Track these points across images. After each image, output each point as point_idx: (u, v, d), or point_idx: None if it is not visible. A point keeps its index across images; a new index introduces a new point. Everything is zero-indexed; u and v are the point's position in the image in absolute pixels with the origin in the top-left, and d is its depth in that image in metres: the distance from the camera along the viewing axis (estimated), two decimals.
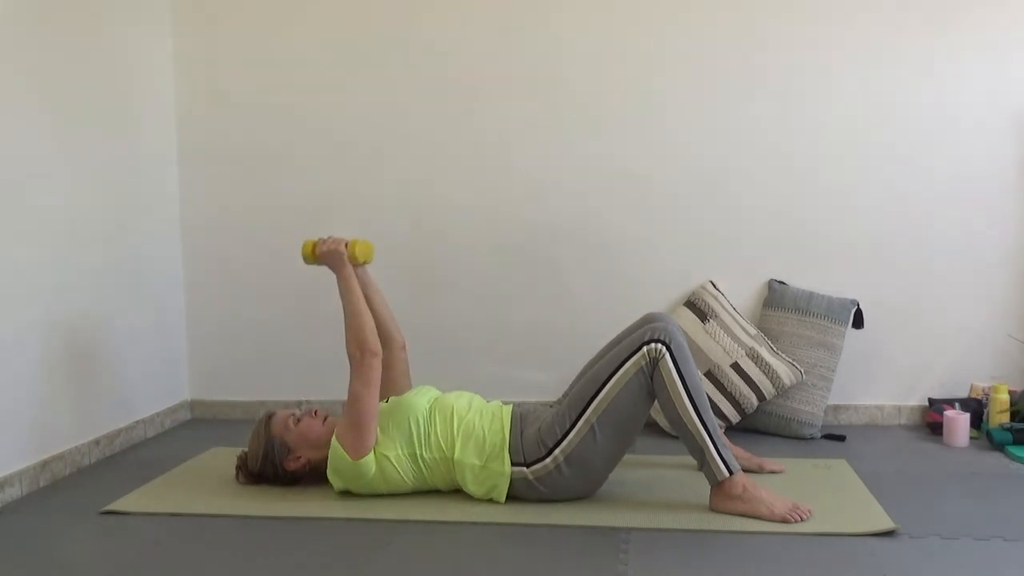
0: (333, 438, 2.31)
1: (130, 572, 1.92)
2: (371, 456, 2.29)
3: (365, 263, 2.52)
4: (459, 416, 2.35)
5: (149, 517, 2.26)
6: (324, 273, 3.31)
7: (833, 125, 3.14)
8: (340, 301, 2.41)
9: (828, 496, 2.35)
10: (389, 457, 2.31)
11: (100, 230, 2.86)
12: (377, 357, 2.32)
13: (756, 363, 2.96)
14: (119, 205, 2.97)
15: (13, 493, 2.42)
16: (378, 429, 2.33)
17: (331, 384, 3.20)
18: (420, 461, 2.32)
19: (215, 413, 3.42)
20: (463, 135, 3.26)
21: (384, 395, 2.52)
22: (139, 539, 2.11)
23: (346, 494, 2.37)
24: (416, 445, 2.32)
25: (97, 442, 2.81)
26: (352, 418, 2.29)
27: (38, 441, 2.55)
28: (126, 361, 2.99)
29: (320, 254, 2.46)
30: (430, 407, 2.37)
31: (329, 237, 2.48)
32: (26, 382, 2.50)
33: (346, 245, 2.46)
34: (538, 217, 3.25)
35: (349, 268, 2.44)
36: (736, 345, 2.99)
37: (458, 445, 2.31)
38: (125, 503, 2.35)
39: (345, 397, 2.35)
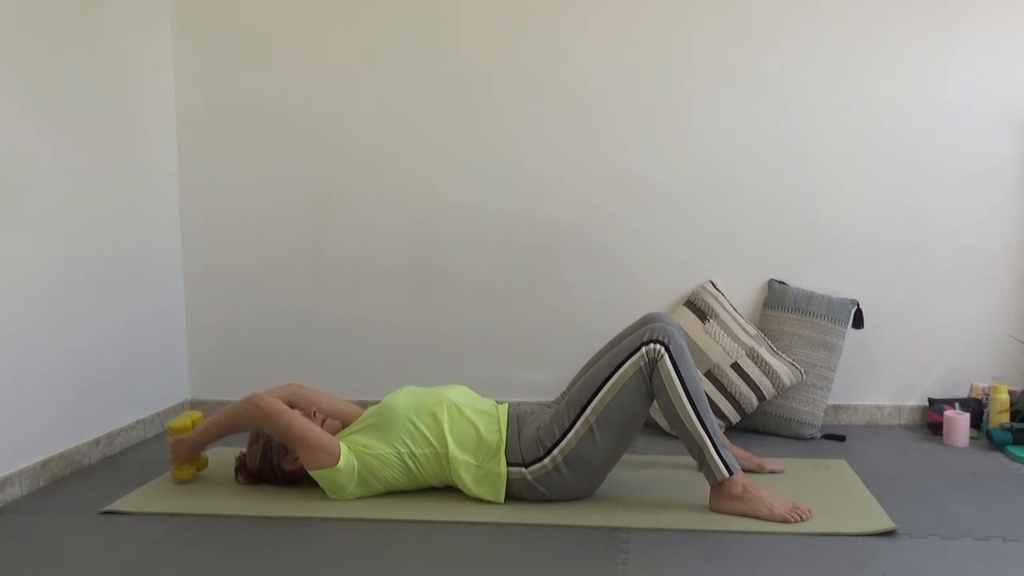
0: (309, 472, 2.33)
1: (130, 572, 1.92)
2: (346, 451, 2.31)
3: (194, 423, 2.56)
4: (449, 412, 2.35)
5: (149, 517, 2.26)
6: (325, 273, 3.33)
7: (833, 125, 3.15)
8: (223, 432, 2.46)
9: (828, 496, 2.35)
10: (378, 456, 2.31)
11: (100, 230, 2.86)
12: (256, 395, 2.38)
13: (756, 363, 2.96)
14: (119, 205, 2.97)
15: (13, 493, 2.42)
16: (367, 431, 2.34)
17: (330, 385, 3.21)
18: (411, 458, 2.32)
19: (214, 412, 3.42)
20: (462, 135, 3.26)
21: (339, 419, 2.51)
22: (139, 539, 2.11)
23: None
24: (405, 443, 2.32)
25: (97, 442, 2.81)
26: (302, 444, 2.31)
27: (38, 441, 2.55)
28: (126, 361, 2.99)
29: (176, 460, 2.51)
30: (417, 404, 2.37)
31: (167, 451, 2.52)
32: (26, 382, 2.50)
33: (170, 434, 2.52)
34: (538, 217, 3.26)
35: (192, 435, 2.48)
36: (736, 345, 2.99)
37: (451, 441, 2.31)
38: (125, 503, 2.36)
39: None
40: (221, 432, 2.45)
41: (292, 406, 2.50)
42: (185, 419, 2.57)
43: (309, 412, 2.46)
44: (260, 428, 2.39)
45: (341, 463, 2.29)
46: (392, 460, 2.32)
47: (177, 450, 2.50)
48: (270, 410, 2.34)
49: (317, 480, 2.33)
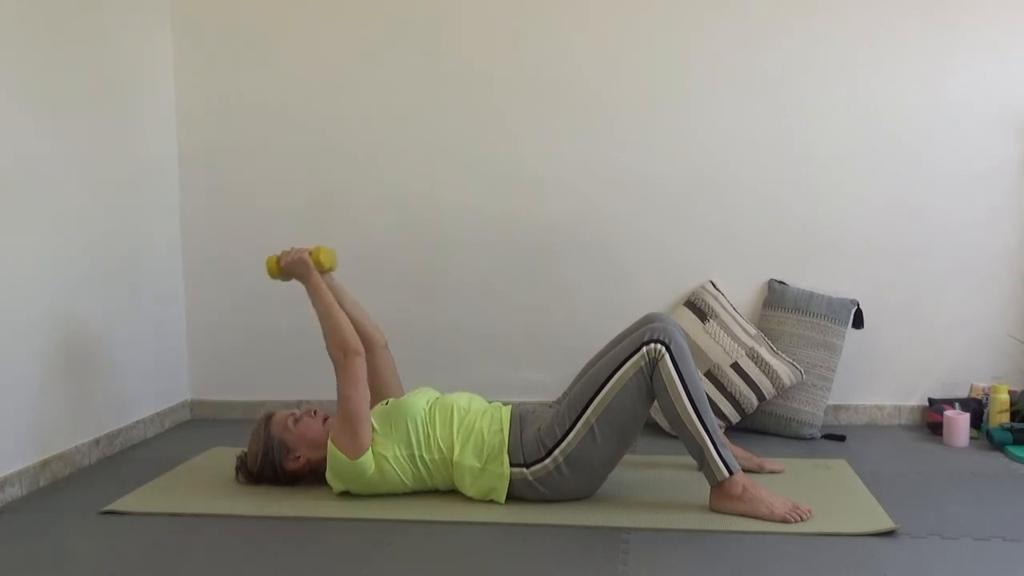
0: (328, 441, 2.32)
1: (130, 572, 1.92)
2: (368, 454, 2.29)
3: (330, 269, 2.51)
4: (459, 417, 2.35)
5: (149, 517, 2.26)
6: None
7: (833, 125, 3.15)
8: (314, 310, 2.41)
9: (828, 496, 2.35)
10: (388, 458, 2.31)
11: (100, 230, 2.86)
12: (360, 356, 2.33)
13: (756, 363, 2.96)
14: (119, 205, 2.97)
15: (13, 493, 2.42)
16: (376, 430, 2.34)
17: (331, 384, 3.20)
18: (420, 462, 2.32)
19: (215, 413, 3.42)
20: (462, 135, 3.26)
21: (378, 396, 2.53)
22: (139, 539, 2.11)
23: (346, 494, 2.37)
24: (415, 446, 2.32)
25: (97, 442, 2.81)
26: (344, 419, 2.30)
27: (38, 441, 2.55)
28: (126, 361, 2.99)
29: (285, 265, 2.46)
30: (429, 408, 2.37)
31: (291, 248, 2.49)
32: (26, 382, 2.50)
33: (309, 253, 2.46)
34: (538, 217, 3.26)
35: (316, 275, 2.44)
36: (736, 345, 2.99)
37: (458, 446, 2.31)
38: (125, 503, 2.36)
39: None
40: (317, 303, 2.38)
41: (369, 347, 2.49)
42: (330, 260, 2.47)
43: (311, 411, 2.46)
44: (334, 364, 2.34)
45: (359, 461, 2.28)
46: (405, 465, 2.32)
47: (299, 266, 2.43)
48: (349, 373, 2.30)
49: (328, 454, 2.31)
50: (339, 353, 2.33)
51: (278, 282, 3.32)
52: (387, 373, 2.58)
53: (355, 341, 2.35)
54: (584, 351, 2.63)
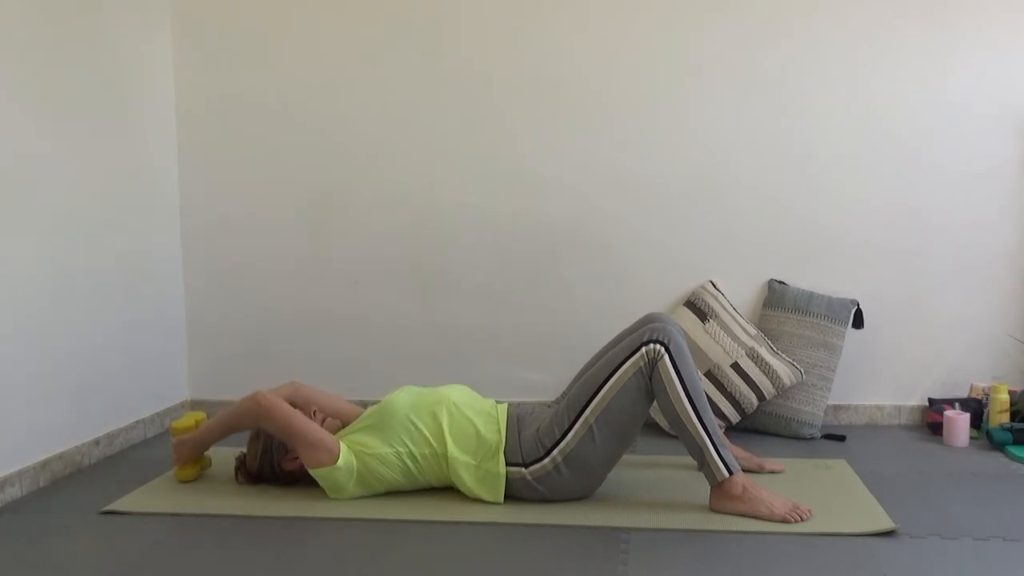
0: (310, 470, 2.34)
1: (130, 572, 1.92)
2: (346, 451, 2.31)
3: (197, 422, 2.58)
4: (449, 412, 2.35)
5: (149, 517, 2.26)
6: (325, 273, 3.33)
7: (833, 125, 3.15)
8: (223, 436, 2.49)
9: (828, 496, 2.35)
10: (375, 456, 2.31)
11: (100, 230, 2.86)
12: (258, 392, 2.39)
13: (756, 363, 2.96)
14: (119, 205, 2.97)
15: (13, 493, 2.42)
16: (362, 431, 2.35)
17: (330, 385, 3.21)
18: (408, 458, 2.32)
19: (215, 413, 3.41)
20: (462, 135, 3.26)
21: (340, 418, 2.53)
22: (139, 539, 2.11)
23: None
24: (404, 443, 2.32)
25: (97, 442, 2.81)
26: (302, 442, 2.32)
27: (38, 441, 2.55)
28: (126, 361, 2.99)
29: (178, 461, 2.53)
30: (416, 404, 2.37)
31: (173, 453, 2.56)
32: (26, 382, 2.50)
33: (173, 437, 2.54)
34: (538, 217, 3.26)
35: (194, 435, 2.51)
36: (736, 345, 2.99)
37: (450, 441, 2.31)
38: (125, 503, 2.36)
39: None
40: (224, 431, 2.46)
41: (293, 404, 2.50)
42: (188, 419, 2.57)
43: (309, 411, 2.47)
44: (261, 425, 2.39)
45: (340, 462, 2.29)
46: (392, 460, 2.32)
47: (181, 450, 2.51)
48: (271, 407, 2.34)
49: (316, 479, 2.34)
50: (252, 409, 2.37)
51: (277, 286, 3.35)
52: (323, 398, 2.58)
53: (246, 395, 2.41)
54: (584, 351, 2.63)
